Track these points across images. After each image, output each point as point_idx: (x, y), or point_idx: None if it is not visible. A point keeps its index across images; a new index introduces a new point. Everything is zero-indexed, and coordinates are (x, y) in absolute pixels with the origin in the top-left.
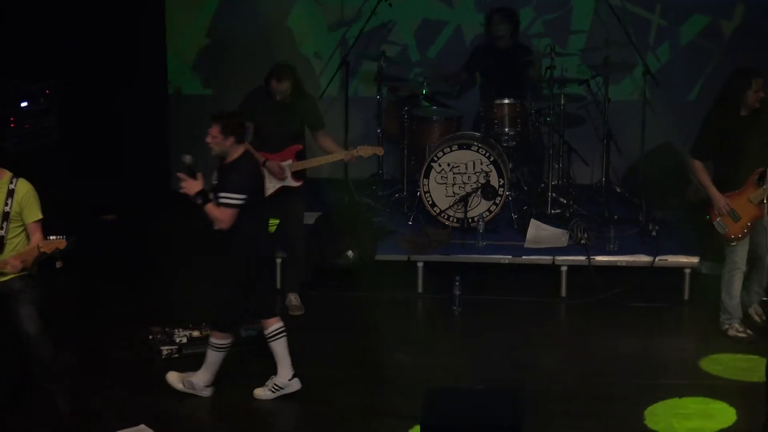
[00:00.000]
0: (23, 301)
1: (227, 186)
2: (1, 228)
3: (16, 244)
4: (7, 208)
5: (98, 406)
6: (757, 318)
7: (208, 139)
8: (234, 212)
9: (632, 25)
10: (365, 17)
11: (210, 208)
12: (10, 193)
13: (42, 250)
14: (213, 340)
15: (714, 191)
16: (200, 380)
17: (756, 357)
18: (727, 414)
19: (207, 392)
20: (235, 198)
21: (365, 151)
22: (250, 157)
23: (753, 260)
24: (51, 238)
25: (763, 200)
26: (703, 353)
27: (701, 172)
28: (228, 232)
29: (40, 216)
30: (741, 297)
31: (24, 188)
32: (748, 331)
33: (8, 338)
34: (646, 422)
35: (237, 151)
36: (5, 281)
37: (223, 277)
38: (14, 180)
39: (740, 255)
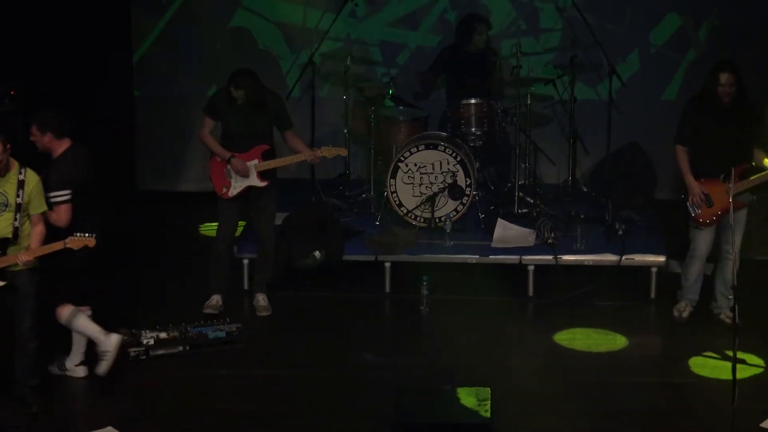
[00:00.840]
0: (26, 296)
1: (51, 185)
2: (15, 219)
3: (25, 232)
4: (19, 200)
5: (65, 407)
6: (728, 321)
7: (32, 138)
8: (67, 207)
9: (600, 30)
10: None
11: (48, 213)
12: (21, 184)
13: (68, 246)
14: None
15: (690, 179)
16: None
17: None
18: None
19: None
20: (61, 194)
21: (329, 151)
22: (73, 150)
23: (721, 258)
24: (78, 235)
25: (736, 195)
26: (668, 351)
27: (681, 158)
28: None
29: (45, 208)
30: (711, 306)
31: (33, 179)
32: (684, 315)
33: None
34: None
35: (60, 146)
36: (14, 273)
37: (57, 269)
38: (23, 171)
39: (702, 243)
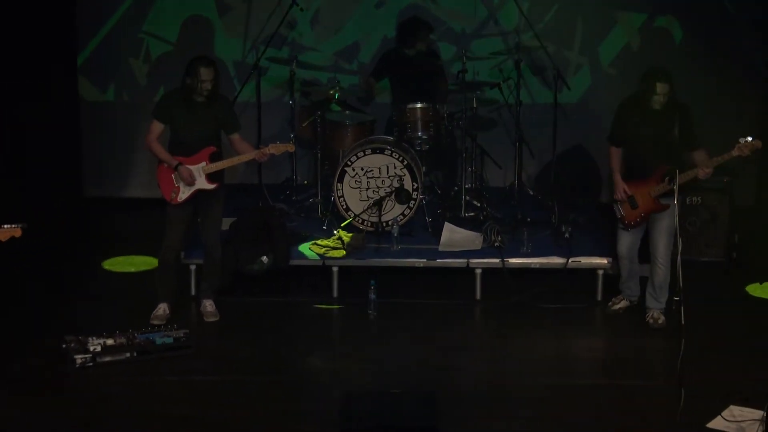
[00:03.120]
0: None
1: None
2: None
3: None
4: None
5: (9, 417)
6: (651, 322)
7: None
8: None
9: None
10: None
11: None
12: None
13: None
14: None
15: (617, 177)
16: None
17: None
18: None
19: None
20: None
21: (277, 148)
22: None
23: (651, 261)
24: (5, 226)
25: (662, 196)
26: (615, 352)
27: (613, 157)
28: None
29: None
30: (644, 305)
31: None
32: (614, 307)
33: None
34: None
35: None
36: None
37: None
38: None
39: (622, 244)
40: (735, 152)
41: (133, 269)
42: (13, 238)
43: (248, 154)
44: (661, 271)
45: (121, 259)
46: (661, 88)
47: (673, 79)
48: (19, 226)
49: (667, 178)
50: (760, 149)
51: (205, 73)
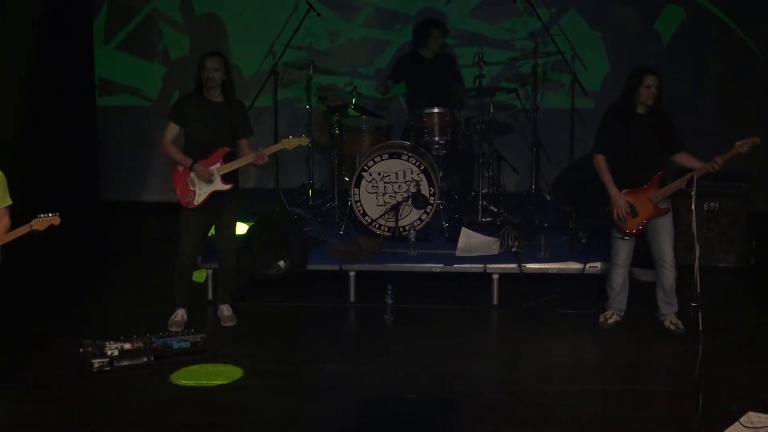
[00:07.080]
0: None
1: None
2: None
3: None
4: None
5: (26, 421)
6: (673, 327)
7: None
8: None
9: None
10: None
11: None
12: None
13: (34, 228)
14: None
15: (614, 190)
16: None
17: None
18: None
19: None
20: None
21: (290, 143)
22: None
23: (657, 267)
24: (41, 216)
25: (658, 202)
26: (632, 358)
27: (603, 168)
28: None
29: (9, 202)
30: (657, 314)
31: None
32: (609, 322)
33: None
34: None
35: None
36: None
37: None
38: None
39: (623, 252)
40: (735, 150)
41: None
42: (52, 226)
43: (247, 156)
44: (670, 274)
45: None
46: (651, 80)
47: (660, 79)
48: (57, 214)
49: (684, 184)
50: (759, 145)
51: (210, 62)
